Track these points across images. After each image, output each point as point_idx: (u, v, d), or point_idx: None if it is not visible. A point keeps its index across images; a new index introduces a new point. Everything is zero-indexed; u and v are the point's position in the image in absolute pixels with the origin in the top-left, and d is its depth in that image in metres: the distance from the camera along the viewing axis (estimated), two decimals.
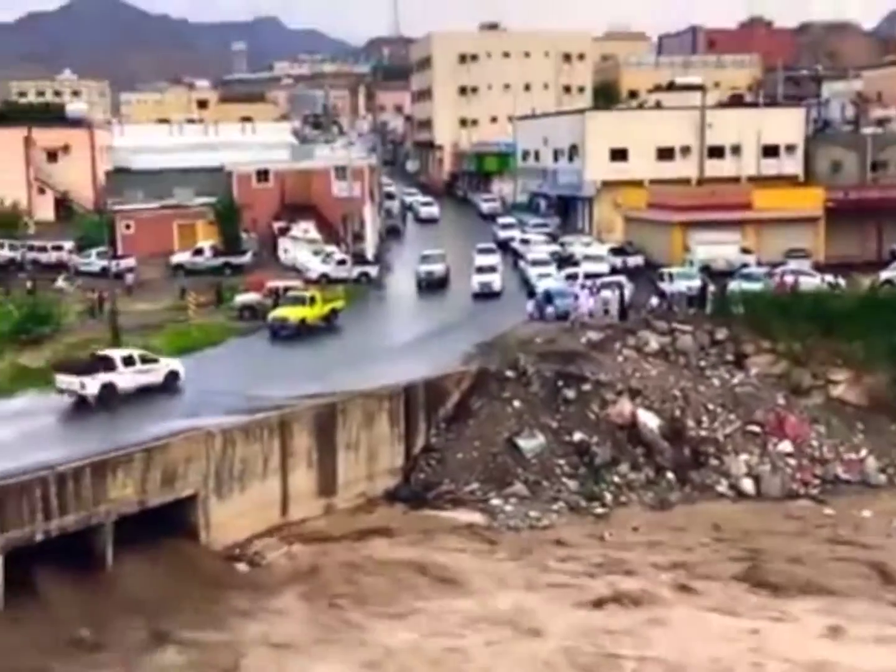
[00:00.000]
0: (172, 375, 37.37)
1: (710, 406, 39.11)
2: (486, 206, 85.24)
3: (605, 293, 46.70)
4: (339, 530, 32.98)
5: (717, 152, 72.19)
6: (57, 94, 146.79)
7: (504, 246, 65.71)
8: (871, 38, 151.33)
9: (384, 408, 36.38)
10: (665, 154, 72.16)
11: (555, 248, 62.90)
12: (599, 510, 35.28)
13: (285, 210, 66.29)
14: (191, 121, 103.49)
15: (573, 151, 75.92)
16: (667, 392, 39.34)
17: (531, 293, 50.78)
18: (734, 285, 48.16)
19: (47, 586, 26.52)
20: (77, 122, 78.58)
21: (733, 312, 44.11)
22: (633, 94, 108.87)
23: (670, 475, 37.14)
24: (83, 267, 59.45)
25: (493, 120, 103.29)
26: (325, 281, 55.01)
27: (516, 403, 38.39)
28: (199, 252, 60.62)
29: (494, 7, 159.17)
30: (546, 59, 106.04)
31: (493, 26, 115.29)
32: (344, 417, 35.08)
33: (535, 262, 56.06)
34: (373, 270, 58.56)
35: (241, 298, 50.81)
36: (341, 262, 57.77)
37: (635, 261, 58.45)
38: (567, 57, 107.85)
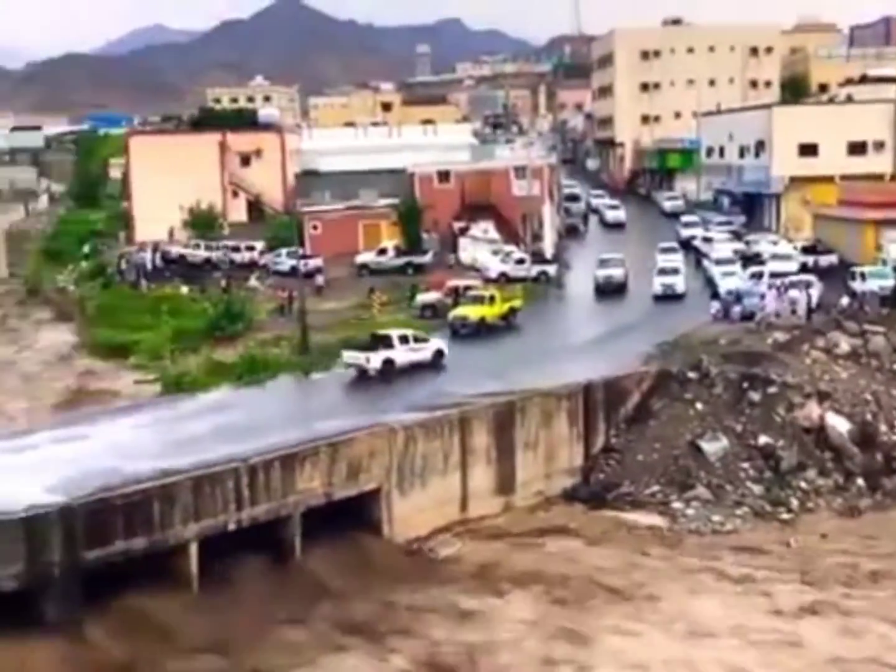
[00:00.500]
0: (439, 354, 40.90)
1: None
2: (668, 204, 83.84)
3: (793, 293, 45.31)
4: (518, 528, 33.12)
5: None
6: (249, 99, 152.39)
7: (686, 245, 64.50)
8: None
9: (563, 407, 36.32)
10: (857, 149, 69.51)
11: (739, 246, 61.33)
12: (785, 516, 34.28)
13: (465, 210, 66.96)
14: (375, 123, 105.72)
15: (759, 147, 73.96)
16: (857, 395, 37.89)
17: (715, 293, 49.69)
18: None
19: (238, 574, 27.51)
20: (268, 127, 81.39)
21: None
22: (823, 88, 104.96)
23: (860, 481, 35.75)
24: (274, 266, 61.63)
25: (677, 116, 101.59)
26: (504, 280, 55.31)
27: (699, 405, 37.66)
28: (382, 252, 61.95)
29: (678, 2, 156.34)
30: (731, 54, 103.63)
31: (676, 21, 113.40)
32: (523, 416, 35.20)
33: (719, 261, 54.78)
34: (551, 269, 58.52)
35: (423, 297, 51.66)
36: (520, 262, 57.96)
37: (828, 260, 56.16)
38: (754, 51, 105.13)
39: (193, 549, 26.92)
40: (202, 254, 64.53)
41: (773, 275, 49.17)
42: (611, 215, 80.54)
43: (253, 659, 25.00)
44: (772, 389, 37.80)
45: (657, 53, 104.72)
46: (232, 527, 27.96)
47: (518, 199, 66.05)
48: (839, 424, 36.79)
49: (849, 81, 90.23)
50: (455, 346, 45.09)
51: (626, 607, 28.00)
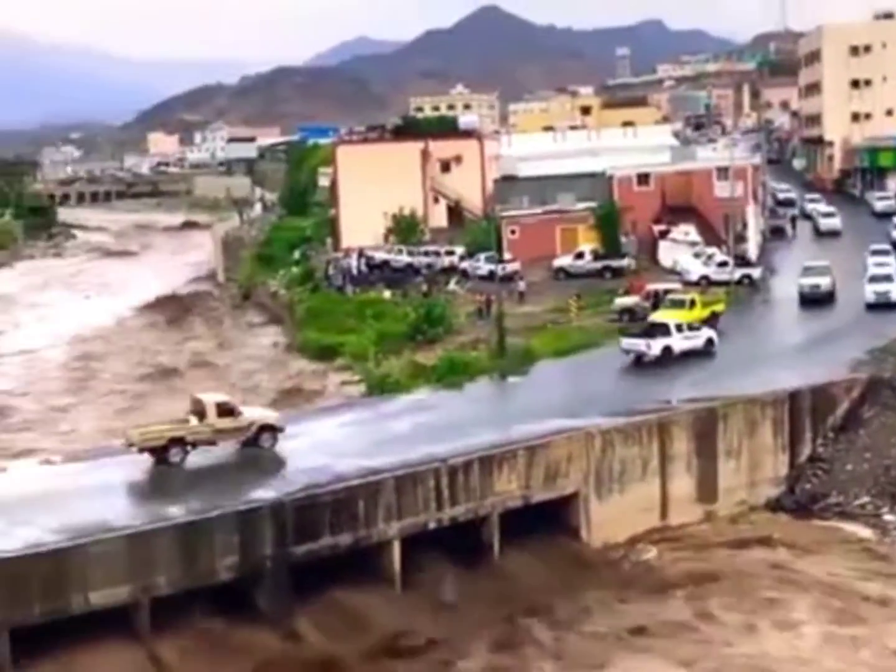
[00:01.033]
0: (709, 342, 42.61)
1: None
2: (879, 205, 79.99)
3: None
4: (721, 537, 32.46)
5: None
6: (450, 107, 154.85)
7: None
8: None
9: (767, 414, 35.35)
10: None
11: None
12: None
13: (665, 212, 66.01)
14: (574, 127, 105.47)
15: None
16: None
17: None
18: None
19: (438, 573, 28.03)
20: (468, 134, 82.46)
21: None
22: None
23: None
24: (472, 270, 62.44)
25: (889, 113, 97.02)
26: (705, 283, 54.18)
27: None
28: (580, 256, 61.78)
29: None
30: None
31: (888, 16, 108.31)
32: (725, 423, 34.48)
33: None
34: (755, 273, 56.94)
35: (621, 301, 51.22)
36: (722, 265, 56.61)
37: None
38: None
39: (396, 546, 27.65)
40: (404, 259, 65.99)
41: None
42: (825, 223, 73.80)
43: (467, 660, 25.36)
44: None
45: (867, 49, 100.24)
46: (432, 526, 28.58)
47: (720, 200, 64.54)
48: None
49: None
50: None
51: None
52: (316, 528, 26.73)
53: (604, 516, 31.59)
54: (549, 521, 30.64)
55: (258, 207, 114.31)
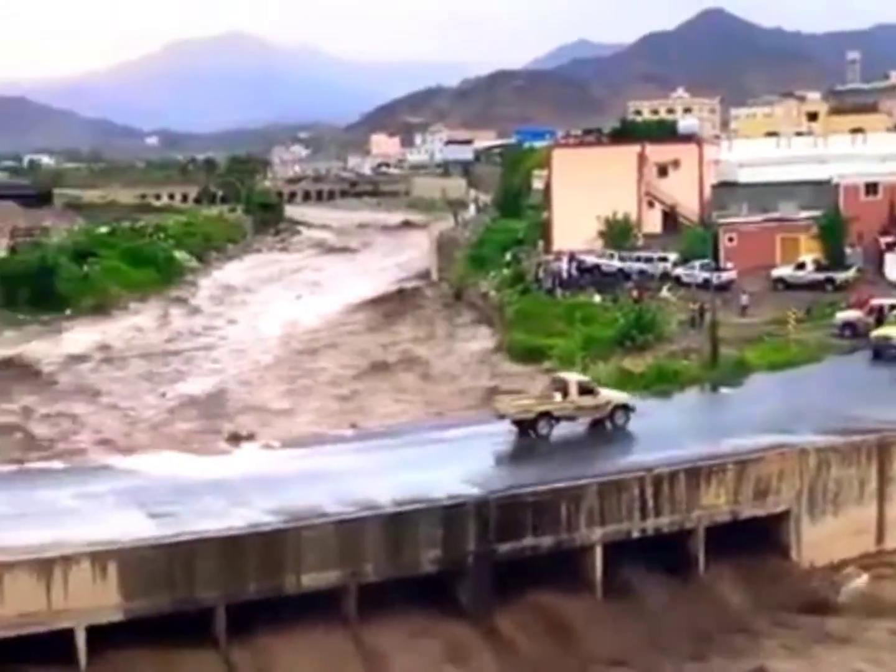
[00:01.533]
0: None
1: None
2: None
3: None
4: None
5: None
6: (670, 111, 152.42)
7: None
8: None
9: None
10: None
11: None
12: None
13: (894, 224, 63.04)
14: (799, 133, 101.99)
15: None
16: None
17: None
18: None
19: (640, 583, 27.71)
20: (687, 138, 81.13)
21: None
22: None
23: None
24: (686, 278, 61.40)
25: None
26: None
27: None
28: (801, 266, 59.80)
29: None
30: None
31: None
32: None
33: None
34: None
35: (842, 315, 49.30)
36: None
37: None
38: None
39: (598, 552, 27.53)
40: (616, 264, 65.57)
41: None
42: None
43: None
44: None
45: None
46: (636, 535, 28.32)
47: None
48: None
49: None
50: (877, 369, 42.72)
51: None
52: (518, 528, 26.93)
53: (815, 537, 30.47)
54: (756, 538, 29.81)
55: (472, 209, 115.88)
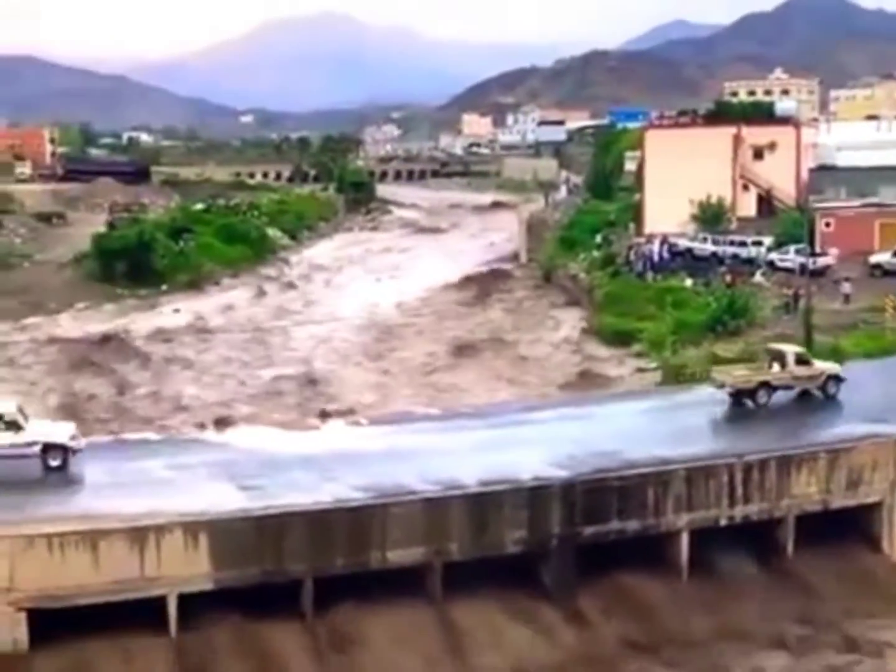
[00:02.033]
0: None
1: None
2: None
3: None
4: None
5: None
6: (767, 93, 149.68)
7: None
8: None
9: None
10: None
11: None
12: None
13: None
14: None
15: None
16: None
17: None
18: None
19: (727, 570, 27.50)
20: (784, 121, 79.45)
21: None
22: None
23: None
24: (780, 263, 60.29)
25: None
26: None
27: None
28: None
29: None
30: None
31: None
32: None
33: None
34: None
35: None
36: None
37: None
38: None
39: (684, 538, 27.35)
40: (709, 247, 64.67)
41: None
42: None
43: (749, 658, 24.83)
44: None
45: None
46: (723, 522, 28.06)
47: None
48: None
49: None
50: None
51: None
52: (604, 512, 26.89)
53: None
54: (846, 529, 29.31)
55: (563, 190, 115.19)
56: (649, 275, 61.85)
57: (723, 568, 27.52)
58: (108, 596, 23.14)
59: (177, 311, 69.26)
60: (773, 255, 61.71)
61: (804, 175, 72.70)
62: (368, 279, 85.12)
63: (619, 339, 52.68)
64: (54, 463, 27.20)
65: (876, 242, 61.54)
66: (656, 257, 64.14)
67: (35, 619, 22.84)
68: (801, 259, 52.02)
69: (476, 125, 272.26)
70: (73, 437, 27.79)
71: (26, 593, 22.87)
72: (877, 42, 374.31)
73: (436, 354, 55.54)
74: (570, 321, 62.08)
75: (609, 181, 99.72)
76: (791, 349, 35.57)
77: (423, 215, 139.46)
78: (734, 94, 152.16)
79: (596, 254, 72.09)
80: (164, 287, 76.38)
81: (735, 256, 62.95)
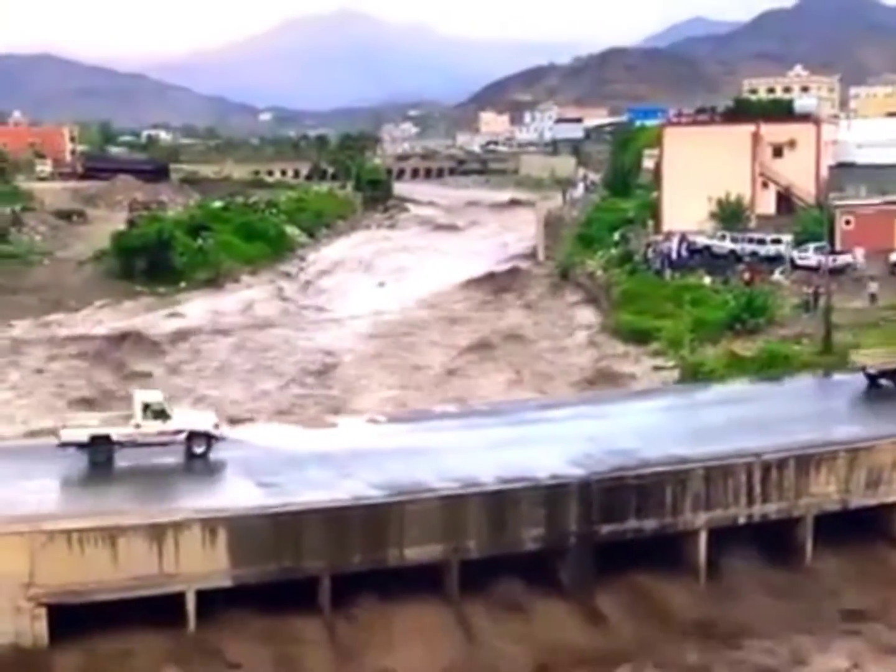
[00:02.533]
0: None
1: None
2: None
3: None
4: None
5: None
6: (786, 90, 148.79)
7: None
8: None
9: None
10: None
11: None
12: None
13: None
14: None
15: None
16: None
17: None
18: None
19: (745, 569, 27.34)
20: (804, 118, 78.97)
21: None
22: None
23: None
24: (800, 261, 59.97)
25: None
26: None
27: None
28: None
29: None
30: None
31: None
32: None
33: None
34: None
35: None
36: None
37: None
38: None
39: (702, 537, 27.28)
40: (727, 245, 64.38)
41: None
42: None
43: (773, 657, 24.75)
44: None
45: None
46: (742, 521, 28.01)
47: None
48: None
49: None
50: None
51: None
52: (622, 511, 26.86)
53: None
54: (866, 528, 29.16)
55: (581, 187, 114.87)
56: (667, 272, 61.64)
57: (740, 568, 27.39)
58: (127, 592, 23.25)
59: (197, 307, 69.46)
60: (794, 253, 61.40)
61: (824, 172, 72.28)
62: (386, 277, 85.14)
63: (637, 336, 52.53)
64: (198, 450, 27.89)
65: None
66: (674, 255, 63.89)
67: (54, 615, 22.94)
68: (821, 257, 51.76)
69: (494, 123, 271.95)
70: (216, 426, 28.48)
71: (46, 589, 22.99)
72: (895, 38, 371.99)
73: (453, 352, 55.51)
74: (588, 319, 61.97)
75: (627, 179, 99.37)
76: None
77: (440, 213, 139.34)
78: (753, 91, 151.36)
79: (614, 251, 71.87)
80: (182, 284, 76.57)
81: (754, 254, 62.64)
